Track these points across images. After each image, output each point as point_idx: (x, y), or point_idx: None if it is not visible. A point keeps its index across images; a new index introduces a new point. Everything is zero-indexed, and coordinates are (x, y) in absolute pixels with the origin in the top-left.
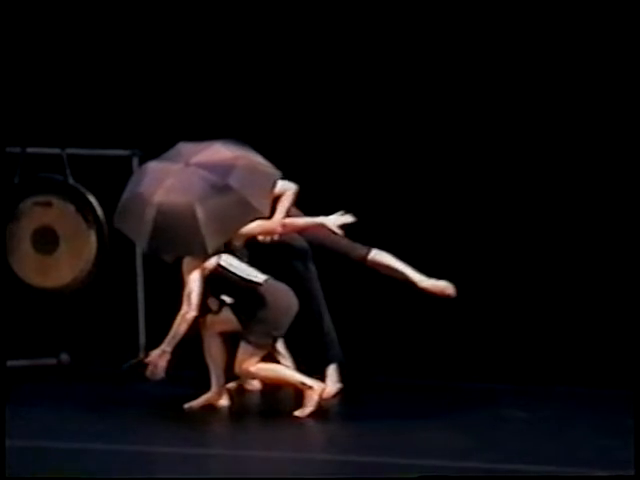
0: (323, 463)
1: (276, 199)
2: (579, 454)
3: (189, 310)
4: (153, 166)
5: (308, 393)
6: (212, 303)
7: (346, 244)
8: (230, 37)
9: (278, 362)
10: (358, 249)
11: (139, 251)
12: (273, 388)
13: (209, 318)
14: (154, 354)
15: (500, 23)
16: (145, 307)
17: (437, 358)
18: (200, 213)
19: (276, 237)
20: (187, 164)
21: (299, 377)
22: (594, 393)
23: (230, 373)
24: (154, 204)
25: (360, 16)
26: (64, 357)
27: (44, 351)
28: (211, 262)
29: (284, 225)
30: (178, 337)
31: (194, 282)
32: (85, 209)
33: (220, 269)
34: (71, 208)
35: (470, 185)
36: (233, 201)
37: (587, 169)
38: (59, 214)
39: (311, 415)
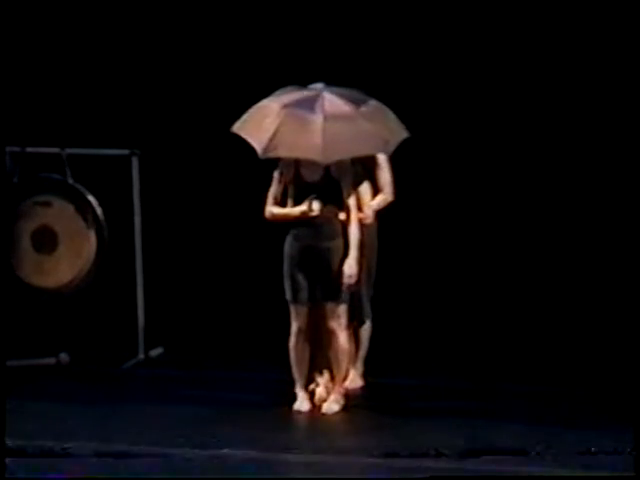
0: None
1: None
2: (579, 454)
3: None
4: (286, 89)
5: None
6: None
7: None
8: (229, 37)
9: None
10: None
11: (139, 251)
12: None
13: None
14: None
15: (501, 25)
16: (145, 307)
17: (438, 358)
18: (324, 127)
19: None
20: (321, 92)
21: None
22: (593, 393)
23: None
24: (282, 108)
25: (357, 18)
26: (63, 357)
27: (44, 351)
28: None
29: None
30: None
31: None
32: (85, 209)
33: None
34: (71, 208)
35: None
36: (359, 129)
37: (587, 175)
38: (59, 214)
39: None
